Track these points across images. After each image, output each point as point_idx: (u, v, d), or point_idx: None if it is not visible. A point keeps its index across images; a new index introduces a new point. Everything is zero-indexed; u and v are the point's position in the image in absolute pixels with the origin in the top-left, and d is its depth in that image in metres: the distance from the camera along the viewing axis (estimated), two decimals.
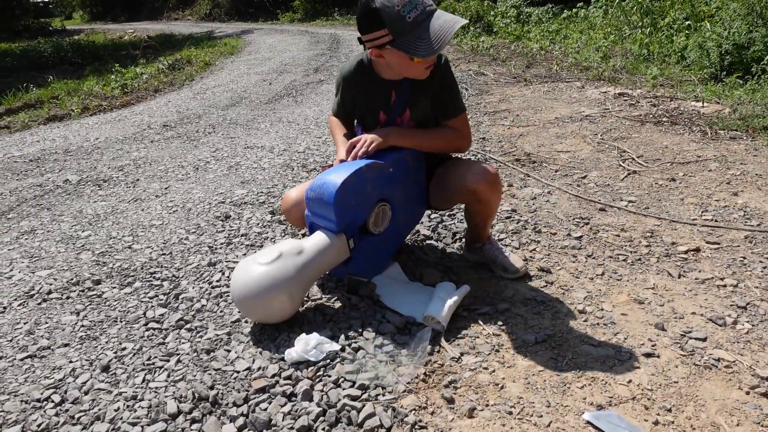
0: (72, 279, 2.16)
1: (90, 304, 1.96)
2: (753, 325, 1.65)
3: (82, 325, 1.82)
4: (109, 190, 3.30)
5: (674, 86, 5.24)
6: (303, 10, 19.36)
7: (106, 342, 1.71)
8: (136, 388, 1.48)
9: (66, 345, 1.72)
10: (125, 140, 4.53)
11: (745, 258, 2.08)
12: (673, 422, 1.29)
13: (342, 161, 1.76)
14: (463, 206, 2.15)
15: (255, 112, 5.33)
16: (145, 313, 1.86)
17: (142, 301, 1.95)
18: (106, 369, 1.56)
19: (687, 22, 6.76)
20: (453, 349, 1.60)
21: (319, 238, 1.72)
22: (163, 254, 2.34)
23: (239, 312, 1.80)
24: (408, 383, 1.45)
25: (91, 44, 13.29)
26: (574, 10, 9.66)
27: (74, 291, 2.07)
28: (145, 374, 1.53)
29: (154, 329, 1.76)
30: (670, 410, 1.33)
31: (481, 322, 1.72)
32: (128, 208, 2.96)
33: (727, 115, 4.09)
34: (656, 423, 1.29)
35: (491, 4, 11.19)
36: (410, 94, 1.81)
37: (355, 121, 2.01)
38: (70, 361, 1.62)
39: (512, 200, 2.77)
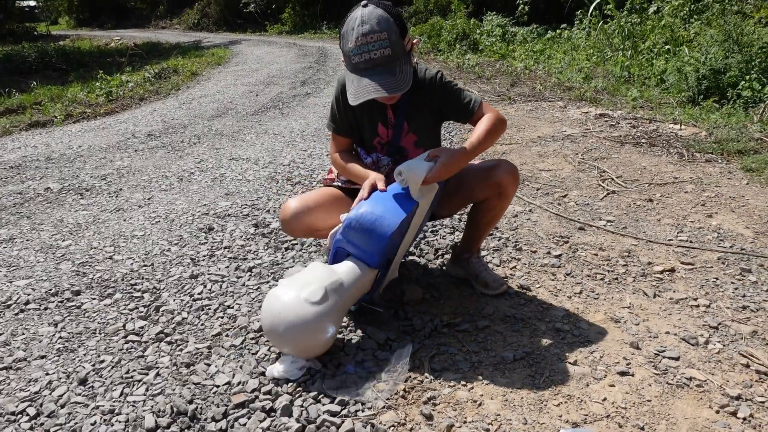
0: (51, 289, 2.14)
1: (69, 316, 1.94)
2: (724, 345, 1.70)
3: (60, 337, 1.80)
4: (91, 199, 3.27)
5: (653, 108, 5.37)
6: (291, 22, 19.45)
7: (84, 354, 1.70)
8: (114, 401, 1.47)
9: (43, 357, 1.70)
10: (109, 149, 4.50)
11: (717, 279, 2.13)
12: None
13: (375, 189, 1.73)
14: (454, 217, 2.15)
15: (241, 124, 5.34)
16: (124, 326, 1.85)
17: (121, 313, 1.94)
18: (83, 382, 1.55)
19: (666, 47, 6.94)
20: (433, 365, 1.61)
21: (355, 271, 1.65)
22: (145, 266, 2.33)
23: (271, 344, 1.69)
24: (387, 399, 1.46)
25: (77, 50, 13.19)
26: (558, 31, 9.85)
27: (53, 302, 2.05)
28: (123, 387, 1.52)
29: (133, 342, 1.75)
30: (642, 428, 1.36)
31: (461, 339, 1.75)
32: (110, 218, 2.94)
33: (703, 138, 4.20)
34: None
35: (477, 22, 11.36)
36: (408, 107, 1.84)
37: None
38: (47, 374, 1.61)
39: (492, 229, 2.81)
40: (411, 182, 1.62)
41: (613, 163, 3.70)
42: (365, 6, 1.63)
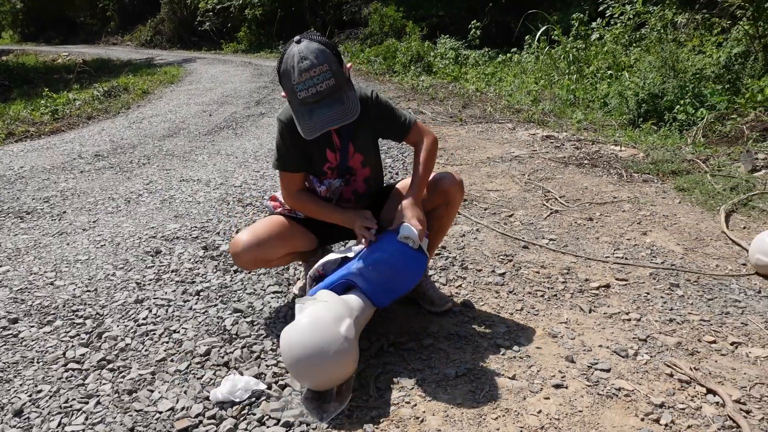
0: None
1: (5, 345, 1.88)
2: (651, 356, 1.80)
3: None
4: (32, 222, 3.18)
5: (597, 130, 5.63)
6: (247, 41, 19.39)
7: (21, 384, 1.65)
8: None
9: None
10: (53, 170, 4.37)
11: (648, 293, 2.27)
12: None
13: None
14: None
15: (193, 144, 5.29)
16: (64, 353, 1.81)
17: (62, 341, 1.89)
18: (18, 413, 1.51)
19: (609, 72, 7.30)
20: (378, 384, 1.65)
21: (366, 307, 1.72)
22: (88, 291, 2.28)
23: (296, 379, 1.60)
24: (332, 420, 1.48)
25: (21, 66, 12.77)
26: (509, 54, 10.22)
27: None
28: (62, 418, 1.49)
29: (73, 370, 1.72)
30: None
31: (406, 358, 1.79)
32: (52, 242, 2.86)
33: (641, 159, 4.44)
34: None
35: (431, 45, 11.65)
36: (351, 131, 1.91)
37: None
38: None
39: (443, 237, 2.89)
40: (415, 240, 1.74)
41: (557, 183, 3.87)
42: (299, 42, 1.68)
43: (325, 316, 1.52)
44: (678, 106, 5.33)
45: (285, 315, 2.05)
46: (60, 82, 10.32)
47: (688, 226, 3.01)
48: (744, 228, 2.97)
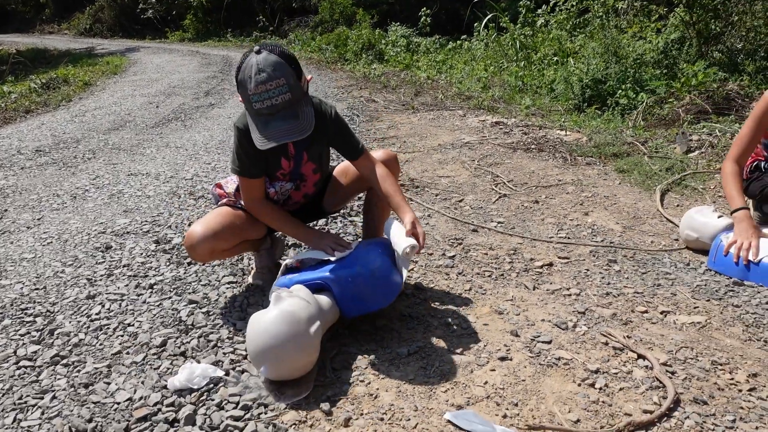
0: None
1: None
2: (588, 327, 1.94)
3: None
4: None
5: (544, 116, 5.81)
6: (194, 29, 18.86)
7: None
8: (7, 428, 1.43)
9: None
10: None
11: (588, 270, 2.41)
12: (518, 414, 1.50)
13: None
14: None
15: (140, 137, 5.16)
16: (15, 352, 1.79)
17: (12, 339, 1.87)
18: None
19: (555, 58, 7.52)
20: (333, 365, 1.72)
21: (333, 313, 1.78)
22: (36, 289, 2.24)
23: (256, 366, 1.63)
24: (290, 398, 1.54)
25: None
26: (459, 42, 10.36)
27: None
28: (16, 414, 1.49)
29: (26, 367, 1.70)
30: (516, 404, 1.54)
31: (359, 339, 1.86)
32: None
33: (584, 143, 4.63)
34: (505, 416, 1.49)
35: (382, 33, 11.67)
36: (306, 142, 1.96)
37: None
38: None
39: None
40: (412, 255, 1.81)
41: (505, 168, 4.00)
42: (258, 53, 1.69)
43: (300, 315, 1.57)
44: (620, 91, 5.55)
45: (240, 304, 2.08)
46: None
47: (627, 206, 3.19)
48: (677, 206, 3.17)
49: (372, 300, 1.81)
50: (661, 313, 2.04)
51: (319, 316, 1.64)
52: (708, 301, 2.12)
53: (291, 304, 1.58)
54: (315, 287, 1.78)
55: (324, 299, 1.75)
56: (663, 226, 2.89)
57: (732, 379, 1.65)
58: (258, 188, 1.97)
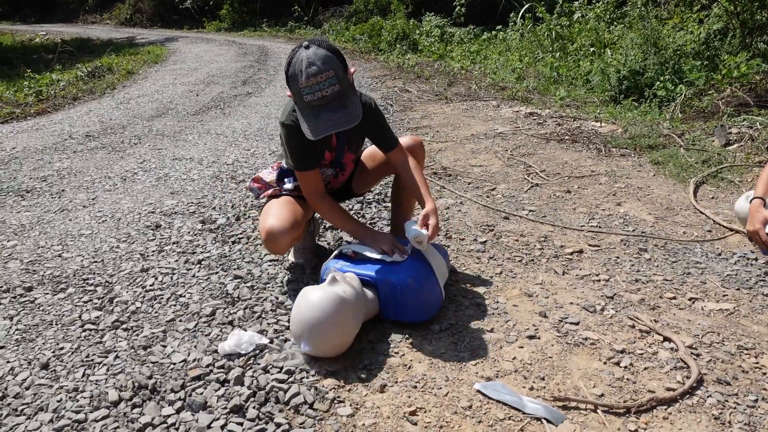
0: (1, 286, 2.20)
1: (23, 310, 2.02)
2: (616, 311, 2.00)
3: (17, 329, 1.89)
4: (32, 200, 3.28)
5: (579, 107, 5.78)
6: (230, 19, 19.18)
7: (43, 343, 1.80)
8: (77, 381, 1.59)
9: (2, 347, 1.79)
10: (45, 150, 4.45)
11: (618, 258, 2.46)
12: (545, 387, 1.59)
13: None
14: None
15: (182, 124, 5.37)
16: (80, 316, 1.96)
17: (76, 306, 2.04)
18: (45, 367, 1.66)
19: (592, 49, 7.43)
20: (369, 338, 1.83)
21: (374, 310, 1.87)
22: (95, 262, 2.42)
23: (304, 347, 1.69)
24: (328, 368, 1.66)
25: None
26: (494, 32, 10.29)
27: (5, 297, 2.12)
28: (85, 369, 1.65)
29: (90, 330, 1.87)
30: (543, 378, 1.62)
31: None
32: (55, 218, 2.98)
33: (619, 135, 4.62)
34: (532, 389, 1.58)
35: (417, 23, 11.67)
36: (347, 135, 2.07)
37: (284, 165, 2.16)
38: (8, 362, 1.70)
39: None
40: (425, 245, 1.89)
41: (538, 158, 4.03)
42: (308, 47, 1.78)
43: (349, 302, 1.67)
44: (658, 83, 5.47)
45: (282, 280, 2.21)
46: (40, 63, 10.20)
47: (660, 197, 3.20)
48: (712, 198, 3.17)
49: (412, 312, 1.87)
50: (690, 299, 2.08)
51: (364, 311, 1.75)
52: (738, 289, 2.15)
53: (344, 290, 1.69)
54: (363, 281, 1.85)
55: (370, 294, 1.84)
56: (696, 217, 2.90)
57: (757, 362, 1.69)
58: (316, 180, 2.02)
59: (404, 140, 2.18)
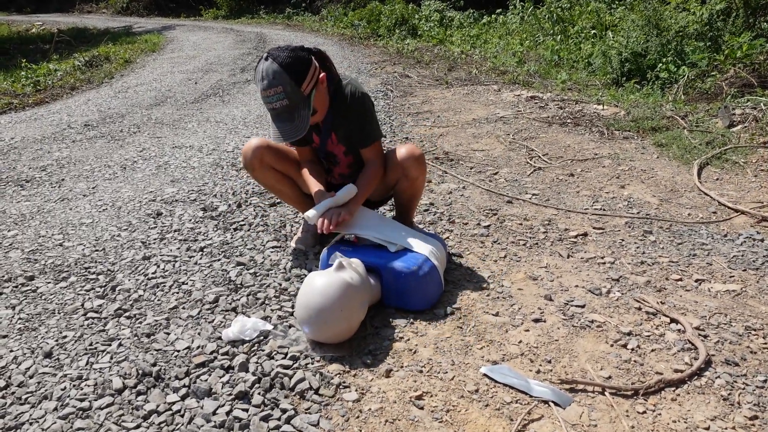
0: (3, 276, 2.19)
1: (25, 299, 2.01)
2: (622, 294, 1.98)
3: (20, 318, 1.88)
4: (32, 190, 3.26)
5: (580, 90, 5.73)
6: (227, 7, 19.00)
7: (46, 332, 1.79)
8: (81, 369, 1.58)
9: (4, 336, 1.78)
10: (44, 140, 4.42)
11: (623, 240, 2.44)
12: (551, 370, 1.57)
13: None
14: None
15: (181, 112, 5.33)
16: (83, 305, 1.94)
17: (78, 294, 2.03)
18: (48, 355, 1.65)
19: (593, 31, 7.35)
20: (374, 323, 1.81)
21: (377, 296, 1.87)
22: (96, 250, 2.41)
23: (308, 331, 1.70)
24: (333, 354, 1.64)
25: None
26: (494, 16, 10.19)
27: (7, 287, 2.10)
28: (89, 357, 1.63)
29: (93, 318, 1.85)
30: (550, 362, 1.61)
31: None
32: (55, 207, 2.96)
33: (622, 117, 4.57)
34: (538, 372, 1.57)
35: (416, 7, 11.55)
36: (332, 122, 2.07)
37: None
38: (11, 351, 1.69)
39: (431, 195, 3.03)
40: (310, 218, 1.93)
41: (540, 142, 4.00)
42: (266, 59, 1.84)
43: (355, 288, 1.67)
44: (660, 65, 5.42)
45: (284, 266, 2.20)
46: (37, 53, 10.10)
47: (664, 179, 3.17)
48: (717, 180, 3.14)
49: (414, 300, 1.87)
50: (696, 281, 2.06)
51: (368, 299, 1.75)
52: (744, 270, 2.13)
53: (351, 276, 1.68)
54: (366, 266, 1.84)
55: (375, 284, 1.85)
56: (701, 199, 2.88)
57: (765, 343, 1.68)
58: (303, 152, 2.21)
59: (401, 150, 2.10)
